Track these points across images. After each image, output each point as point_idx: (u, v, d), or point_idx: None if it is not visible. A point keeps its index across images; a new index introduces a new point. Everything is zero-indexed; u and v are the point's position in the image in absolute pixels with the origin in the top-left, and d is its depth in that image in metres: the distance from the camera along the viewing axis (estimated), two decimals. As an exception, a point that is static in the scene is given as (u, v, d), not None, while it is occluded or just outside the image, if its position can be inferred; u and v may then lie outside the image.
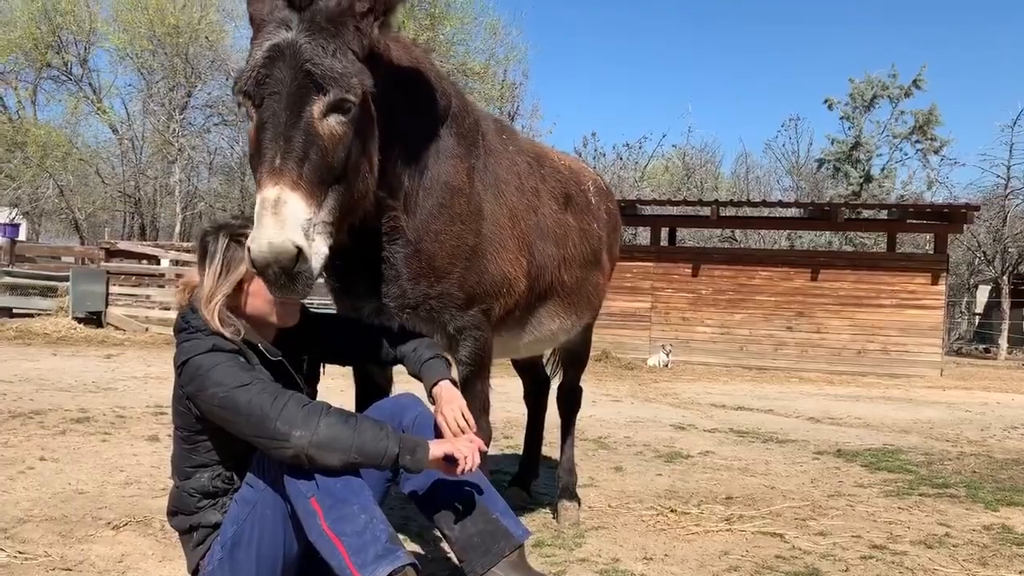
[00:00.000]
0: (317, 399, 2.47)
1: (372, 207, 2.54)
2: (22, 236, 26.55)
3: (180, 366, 2.42)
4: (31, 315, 16.07)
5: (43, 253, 21.16)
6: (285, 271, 2.05)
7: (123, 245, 18.75)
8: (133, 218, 33.20)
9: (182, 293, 2.63)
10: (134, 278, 17.34)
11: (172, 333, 2.64)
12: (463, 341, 2.91)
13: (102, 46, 30.35)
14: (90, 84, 31.00)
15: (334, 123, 2.19)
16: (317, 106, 2.16)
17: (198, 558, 2.48)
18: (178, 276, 17.94)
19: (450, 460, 2.37)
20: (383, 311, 2.77)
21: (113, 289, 16.42)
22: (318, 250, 2.12)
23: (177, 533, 2.60)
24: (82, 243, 29.32)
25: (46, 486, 4.18)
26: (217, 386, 2.33)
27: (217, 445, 2.48)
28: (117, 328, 15.90)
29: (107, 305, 16.18)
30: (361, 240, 2.60)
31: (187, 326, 2.49)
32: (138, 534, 3.43)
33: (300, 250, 2.04)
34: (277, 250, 2.01)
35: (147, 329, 15.97)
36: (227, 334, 2.43)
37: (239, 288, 2.48)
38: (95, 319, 15.96)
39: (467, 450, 2.38)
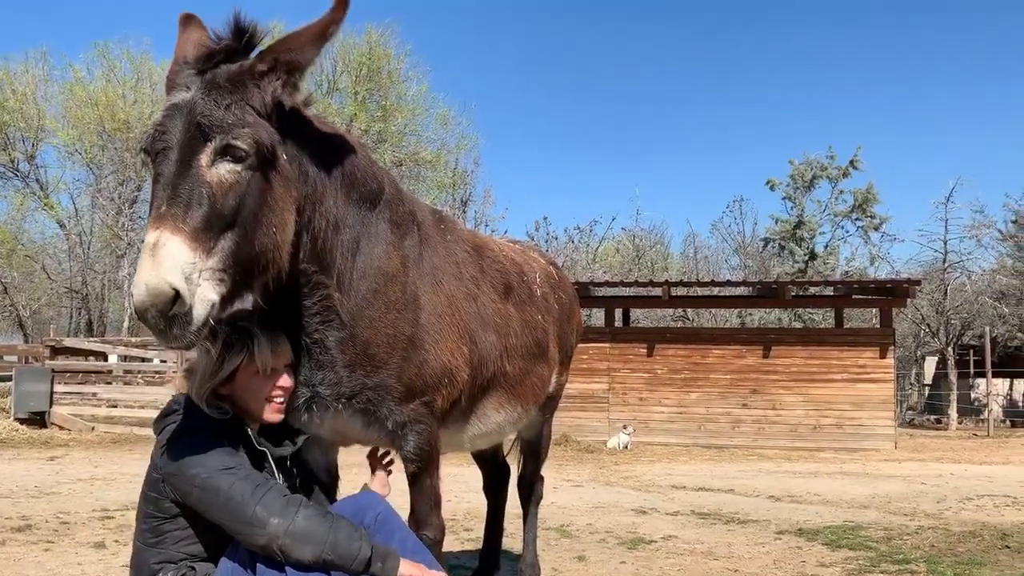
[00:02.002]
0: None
1: (300, 278, 2.55)
2: (-37, 335, 25.83)
3: (163, 447, 2.40)
4: (-30, 417, 15.52)
5: (-15, 352, 20.61)
6: (163, 314, 2.03)
7: (69, 342, 18.32)
8: (80, 314, 32.48)
9: (182, 380, 2.64)
10: (80, 376, 16.89)
11: (152, 423, 2.62)
12: (406, 436, 2.83)
13: (50, 142, 30.27)
14: (37, 180, 30.75)
15: (224, 171, 2.22)
16: (205, 154, 2.20)
17: None
18: (127, 372, 17.58)
19: None
20: (318, 400, 2.70)
21: (58, 388, 15.97)
22: (203, 296, 2.10)
23: None
24: (26, 341, 28.57)
25: (-16, 602, 3.99)
26: (199, 467, 2.33)
27: (188, 537, 2.43)
28: (62, 428, 15.41)
29: (51, 404, 15.72)
30: (294, 321, 2.61)
31: (176, 408, 2.50)
32: (83, 651, 3.27)
33: (178, 292, 2.02)
34: (153, 291, 2.00)
35: (93, 428, 15.50)
36: (215, 416, 2.45)
37: (231, 379, 2.50)
38: (38, 419, 15.47)
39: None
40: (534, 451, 4.32)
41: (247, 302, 2.52)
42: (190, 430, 2.41)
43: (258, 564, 2.33)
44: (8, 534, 5.71)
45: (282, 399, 2.61)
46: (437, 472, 2.99)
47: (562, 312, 4.12)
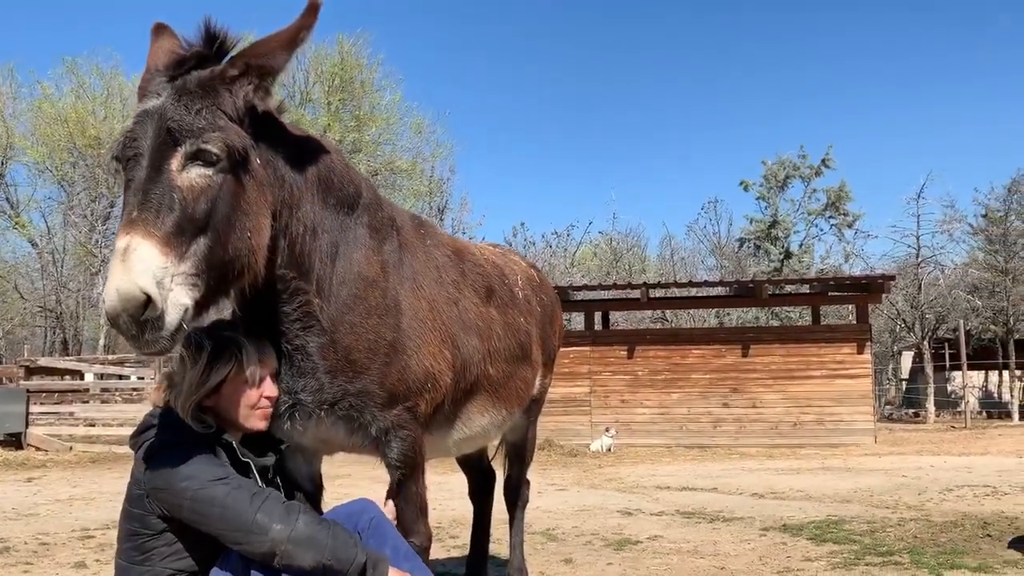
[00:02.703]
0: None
1: (278, 284, 2.54)
2: (-65, 358, 25.43)
3: (145, 462, 2.36)
4: (-56, 441, 15.27)
5: (-43, 374, 20.27)
6: (135, 320, 2.01)
7: (44, 362, 18.08)
8: (55, 333, 32.13)
9: (158, 392, 2.60)
10: (56, 395, 16.66)
11: (129, 439, 2.58)
12: (390, 443, 2.81)
13: (20, 160, 29.96)
14: (7, 199, 30.45)
15: (195, 175, 2.20)
16: (175, 159, 2.18)
17: None
18: (104, 391, 17.38)
19: None
20: (300, 408, 2.68)
21: (34, 408, 15.74)
22: (175, 300, 2.08)
23: None
24: (0, 362, 28.17)
25: (-36, 626, 3.92)
26: (189, 479, 2.31)
27: (174, 552, 2.39)
28: (39, 449, 15.19)
29: (27, 425, 15.49)
30: (274, 328, 2.60)
31: (154, 423, 2.46)
32: (67, 671, 3.22)
33: (149, 297, 2.00)
34: (124, 296, 1.98)
35: (71, 448, 15.29)
36: (198, 429, 2.42)
37: (216, 390, 2.47)
38: (14, 441, 15.24)
39: None
40: (519, 454, 4.31)
41: (223, 308, 2.50)
42: (173, 443, 2.38)
43: (252, 571, 2.31)
44: (-14, 557, 5.62)
45: (268, 407, 2.59)
46: (423, 478, 2.97)
47: (544, 314, 4.12)
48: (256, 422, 2.58)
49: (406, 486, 2.89)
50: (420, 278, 3.00)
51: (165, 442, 2.39)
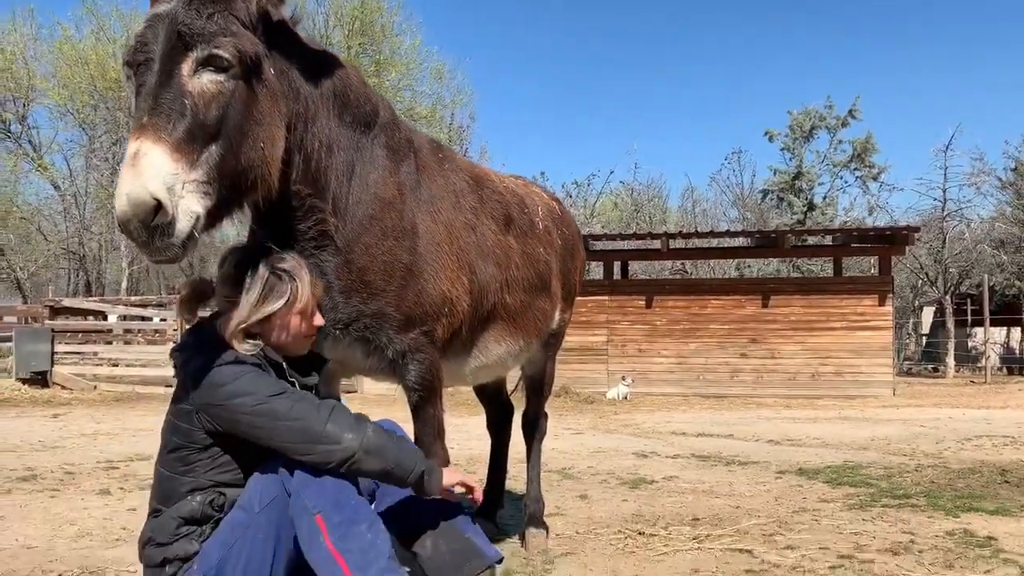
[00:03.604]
0: None
1: (293, 201, 2.53)
2: (-39, 298, 25.80)
3: (196, 379, 2.37)
4: (-28, 378, 15.57)
5: (-16, 314, 20.60)
6: (145, 226, 1.98)
7: (68, 302, 18.29)
8: (78, 275, 32.47)
9: (186, 304, 2.60)
10: (80, 336, 16.90)
11: (170, 353, 2.59)
12: (408, 365, 2.83)
13: (41, 103, 29.96)
14: (30, 141, 30.52)
15: (207, 80, 2.17)
16: (186, 64, 2.15)
17: None
18: (127, 331, 17.59)
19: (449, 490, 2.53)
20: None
21: (59, 348, 16.00)
22: (186, 208, 2.05)
23: (144, 569, 2.49)
24: (25, 302, 28.55)
25: (-8, 543, 4.01)
26: (248, 395, 2.33)
27: (218, 466, 2.42)
28: (64, 387, 15.47)
29: (53, 364, 15.75)
30: (289, 246, 2.58)
31: (201, 340, 2.47)
32: (92, 585, 3.29)
33: (159, 203, 1.98)
34: (134, 201, 1.95)
35: (95, 387, 15.55)
36: (244, 350, 2.43)
37: (267, 319, 2.47)
38: (40, 379, 15.52)
39: (472, 480, 2.56)
40: (537, 388, 4.32)
41: (237, 219, 2.47)
42: (225, 360, 2.39)
43: (296, 472, 2.34)
44: (14, 483, 5.75)
45: (314, 335, 2.61)
46: (440, 402, 2.99)
47: (565, 248, 4.09)
48: (300, 349, 2.60)
49: (423, 408, 2.91)
50: (438, 202, 2.97)
51: (215, 360, 2.39)
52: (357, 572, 2.21)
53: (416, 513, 2.53)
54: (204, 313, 2.67)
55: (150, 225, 1.99)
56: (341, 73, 2.70)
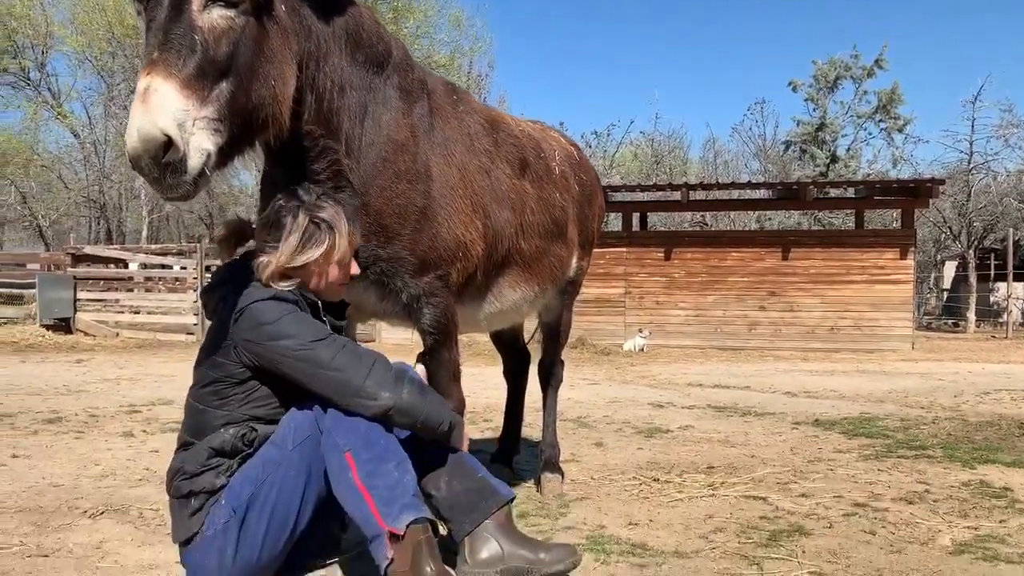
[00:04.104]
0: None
1: (306, 141, 2.53)
2: (-15, 245, 26.05)
3: (238, 315, 2.40)
4: (-3, 324, 15.81)
5: (7, 260, 20.84)
6: (156, 162, 1.98)
7: (89, 250, 18.44)
8: (99, 223, 32.69)
9: (225, 243, 2.64)
10: (102, 283, 17.07)
11: (201, 292, 2.63)
12: (422, 309, 2.85)
13: (60, 50, 29.88)
14: (49, 89, 30.50)
15: (217, 16, 2.15)
16: None
17: (196, 525, 2.42)
18: (147, 279, 17.75)
19: None
20: None
21: (81, 295, 16.19)
22: (197, 144, 2.04)
23: (169, 501, 2.54)
24: (47, 250, 28.83)
25: (19, 480, 4.09)
26: (291, 337, 2.37)
27: (253, 400, 2.46)
28: (86, 334, 15.68)
29: (75, 311, 15.95)
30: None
31: (238, 277, 2.50)
32: (115, 522, 3.36)
33: (170, 139, 1.97)
34: (144, 137, 1.95)
35: (117, 334, 15.75)
36: (282, 286, 2.48)
37: (304, 266, 2.51)
38: (63, 325, 15.73)
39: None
40: (554, 335, 4.32)
41: (249, 158, 2.47)
42: (265, 296, 2.42)
43: (330, 410, 2.39)
44: (40, 425, 5.85)
45: (347, 283, 2.64)
46: (456, 346, 3.00)
47: (583, 194, 4.05)
48: (333, 295, 2.64)
49: (439, 352, 2.92)
50: (451, 145, 2.94)
51: (255, 295, 2.42)
52: (382, 507, 2.26)
53: (430, 456, 2.56)
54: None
55: (161, 161, 1.98)
56: (353, 12, 2.67)
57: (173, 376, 9.61)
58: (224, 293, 2.50)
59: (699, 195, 17.50)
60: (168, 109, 1.98)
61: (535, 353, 4.54)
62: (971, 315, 24.50)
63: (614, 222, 21.19)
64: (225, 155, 2.21)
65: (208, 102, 2.08)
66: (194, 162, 2.04)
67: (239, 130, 2.21)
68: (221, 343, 2.45)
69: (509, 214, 3.23)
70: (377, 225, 2.70)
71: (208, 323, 2.62)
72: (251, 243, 2.67)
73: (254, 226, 2.68)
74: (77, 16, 28.77)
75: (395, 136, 2.74)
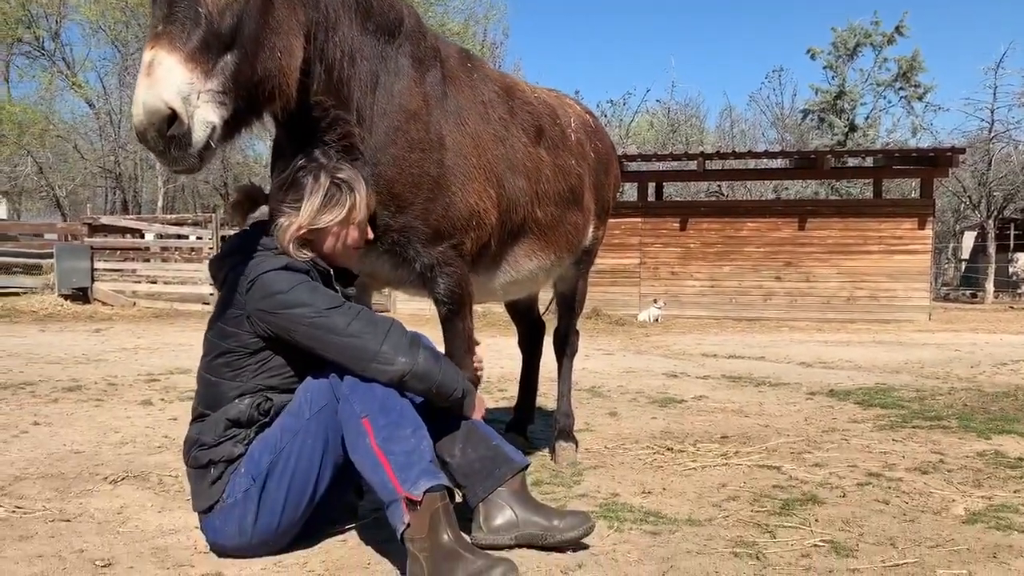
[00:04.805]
0: None
1: (316, 111, 2.53)
2: (2, 215, 26.27)
3: (249, 283, 2.42)
4: (16, 293, 15.97)
5: (25, 231, 20.97)
6: (161, 135, 2.01)
7: (106, 220, 18.54)
8: (115, 193, 32.85)
9: (238, 208, 2.65)
10: (119, 253, 17.18)
11: (211, 262, 2.65)
12: (436, 278, 2.85)
13: (73, 19, 29.77)
14: (63, 59, 30.46)
15: None
16: None
17: (217, 494, 2.46)
18: (163, 249, 17.85)
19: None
20: None
21: (98, 264, 16.31)
22: (202, 117, 2.07)
23: (188, 471, 2.58)
24: (64, 220, 29.01)
25: (41, 447, 4.16)
26: (305, 306, 2.38)
27: (266, 370, 2.49)
28: (104, 303, 15.82)
29: (93, 281, 16.08)
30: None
31: (250, 245, 2.51)
32: (136, 488, 3.41)
33: (175, 112, 2.00)
34: (149, 110, 1.98)
35: (135, 304, 15.89)
36: (297, 257, 2.49)
37: (322, 228, 2.52)
38: (81, 295, 15.87)
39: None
40: (569, 305, 4.32)
41: (256, 128, 2.47)
42: (277, 265, 2.43)
43: (346, 378, 2.42)
44: (60, 393, 5.93)
45: (361, 247, 2.65)
46: (470, 315, 3.00)
47: (599, 162, 4.02)
48: (348, 260, 2.65)
49: (453, 322, 2.93)
50: (465, 113, 2.92)
51: (267, 265, 2.43)
52: (399, 472, 2.28)
53: (444, 423, 2.58)
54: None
55: (166, 134, 2.01)
56: None
57: (190, 345, 9.70)
58: (234, 263, 2.51)
59: (715, 165, 17.42)
60: (172, 82, 2.00)
61: (550, 323, 4.54)
62: (989, 286, 24.32)
63: (629, 192, 21.09)
64: (231, 127, 2.22)
65: (213, 75, 2.09)
66: (199, 135, 2.06)
67: (245, 102, 2.22)
68: (233, 314, 2.46)
69: (524, 182, 3.21)
70: (389, 194, 2.69)
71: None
72: (263, 209, 2.68)
73: (267, 192, 2.69)
74: (91, -15, 28.67)
75: (407, 105, 2.73)
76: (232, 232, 16.22)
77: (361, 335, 2.39)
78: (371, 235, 2.66)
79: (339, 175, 2.52)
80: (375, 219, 2.69)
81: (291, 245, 2.49)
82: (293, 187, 2.52)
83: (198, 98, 2.05)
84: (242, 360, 2.47)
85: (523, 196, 3.21)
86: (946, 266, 33.67)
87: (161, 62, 2.00)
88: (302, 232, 2.50)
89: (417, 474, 2.28)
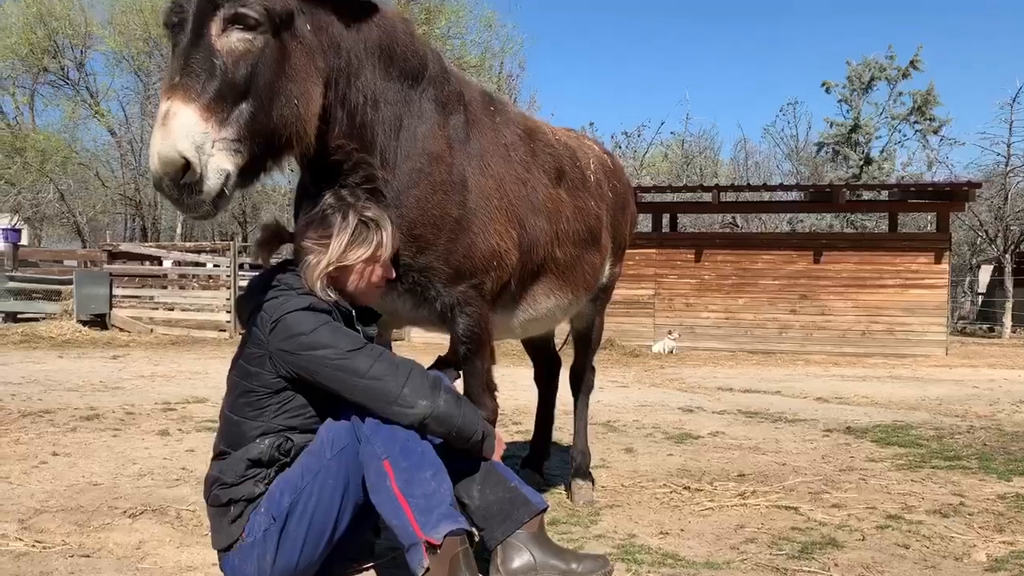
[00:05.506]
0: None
1: (339, 155, 2.56)
2: (24, 241, 26.51)
3: (274, 324, 2.44)
4: (36, 319, 16.10)
5: (46, 257, 21.20)
6: (175, 183, 2.06)
7: (125, 247, 18.74)
8: (134, 220, 33.19)
9: (264, 247, 2.68)
10: (137, 280, 17.34)
11: (237, 301, 2.69)
12: (457, 318, 2.87)
13: (98, 49, 30.39)
14: (87, 88, 31.01)
15: (235, 39, 2.19)
16: (215, 23, 2.18)
17: (236, 532, 2.47)
18: (181, 276, 17.99)
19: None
20: None
21: (116, 291, 16.45)
22: (216, 165, 2.10)
23: (208, 509, 2.59)
24: (84, 246, 29.31)
25: (60, 479, 4.18)
26: (327, 347, 2.40)
27: (288, 410, 2.50)
28: (122, 330, 15.93)
29: (111, 307, 16.21)
30: None
31: (277, 283, 2.54)
32: (155, 522, 3.43)
33: (188, 161, 2.04)
34: (164, 160, 2.02)
35: (152, 330, 15.99)
36: (323, 297, 2.51)
37: (349, 266, 2.55)
38: (99, 321, 15.99)
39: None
40: (585, 342, 4.33)
41: (276, 173, 2.51)
42: (300, 306, 2.45)
43: (367, 420, 2.44)
44: (78, 422, 5.97)
45: (384, 286, 2.68)
46: (489, 355, 3.02)
47: (616, 201, 4.06)
48: (371, 299, 2.68)
49: (472, 361, 2.94)
50: (488, 156, 2.96)
51: (289, 305, 2.45)
52: (420, 516, 2.29)
53: (462, 464, 2.59)
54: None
55: (180, 183, 2.06)
56: (387, 26, 2.69)
57: (206, 373, 9.75)
58: (259, 301, 2.53)
59: (730, 196, 17.41)
60: (187, 132, 2.05)
61: (567, 358, 4.55)
62: (1007, 320, 24.10)
63: (644, 223, 21.12)
64: (250, 173, 2.27)
65: (227, 123, 2.14)
66: (212, 183, 2.10)
67: (262, 149, 2.26)
68: (256, 353, 2.49)
69: (545, 223, 3.25)
70: (411, 235, 2.73)
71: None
72: (287, 247, 2.72)
73: (291, 230, 2.72)
74: (115, 16, 29.25)
75: (431, 148, 2.77)
76: (249, 260, 16.40)
77: (383, 377, 2.40)
78: (394, 274, 2.68)
79: (367, 213, 2.55)
80: (397, 258, 2.72)
81: (318, 283, 2.51)
82: (321, 225, 2.55)
83: (212, 147, 2.10)
84: (264, 400, 2.49)
85: (543, 236, 3.24)
86: (963, 299, 33.41)
87: (176, 113, 2.06)
88: (330, 269, 2.52)
89: (437, 518, 2.29)
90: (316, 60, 2.41)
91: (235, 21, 2.19)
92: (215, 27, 2.18)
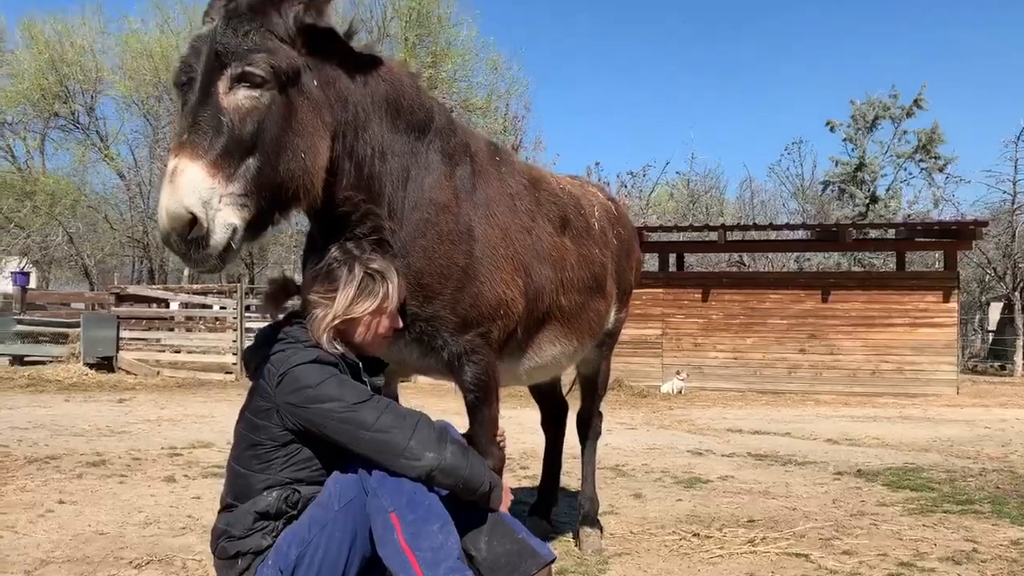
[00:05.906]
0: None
1: (346, 207, 2.58)
2: (32, 284, 26.72)
3: (280, 377, 2.44)
4: (43, 362, 16.15)
5: (54, 300, 21.31)
6: (183, 239, 2.09)
7: (133, 290, 18.82)
8: (142, 263, 33.34)
9: (272, 300, 2.70)
10: (144, 322, 17.38)
11: (244, 353, 2.68)
12: (464, 367, 2.88)
13: (108, 94, 30.78)
14: (97, 132, 31.35)
15: (242, 96, 2.23)
16: (222, 82, 2.22)
17: None
18: (188, 319, 18.03)
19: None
20: None
21: (124, 334, 16.48)
22: (223, 220, 2.13)
23: (215, 561, 2.57)
24: (92, 289, 29.45)
25: (66, 528, 4.17)
26: (334, 400, 2.39)
27: (295, 463, 2.49)
28: (128, 372, 15.93)
29: (118, 350, 16.24)
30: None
31: (284, 336, 2.54)
32: (160, 572, 3.41)
33: (195, 217, 2.07)
34: (171, 216, 2.06)
35: (158, 373, 15.99)
36: (329, 350, 2.51)
37: (355, 318, 2.56)
38: (106, 364, 16.01)
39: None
40: (592, 387, 4.33)
41: (284, 226, 2.54)
42: (306, 359, 2.45)
43: (374, 473, 2.42)
44: (85, 468, 5.96)
45: (390, 337, 2.69)
46: (496, 403, 3.02)
47: (621, 248, 4.07)
48: (377, 349, 2.68)
49: (479, 409, 2.94)
50: (494, 205, 3.00)
51: (296, 358, 2.46)
52: (427, 569, 2.27)
53: (469, 515, 2.57)
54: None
55: (187, 238, 2.09)
56: (393, 80, 2.74)
57: (212, 416, 9.73)
58: (265, 354, 2.54)
59: (736, 236, 17.43)
60: (193, 188, 2.09)
61: (573, 403, 4.54)
62: (1018, 358, 23.93)
63: (650, 262, 21.15)
64: (257, 226, 2.29)
65: (234, 179, 2.18)
66: (219, 237, 2.13)
67: (269, 202, 2.29)
68: (262, 406, 2.49)
69: (550, 271, 3.27)
70: (418, 285, 2.74)
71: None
72: (295, 299, 2.73)
73: (299, 283, 2.74)
74: (125, 62, 29.68)
75: (437, 198, 2.80)
76: (256, 303, 16.45)
77: (389, 430, 2.40)
78: (400, 324, 2.69)
79: (372, 265, 2.57)
80: (404, 308, 2.73)
81: (324, 336, 2.52)
82: (327, 278, 2.57)
83: (219, 202, 2.13)
84: (271, 452, 2.48)
85: (549, 284, 3.26)
86: (973, 337, 33.22)
87: (183, 170, 2.10)
88: (336, 322, 2.53)
89: (444, 572, 2.27)
90: (323, 114, 2.45)
91: (242, 79, 2.23)
92: (222, 85, 2.22)
